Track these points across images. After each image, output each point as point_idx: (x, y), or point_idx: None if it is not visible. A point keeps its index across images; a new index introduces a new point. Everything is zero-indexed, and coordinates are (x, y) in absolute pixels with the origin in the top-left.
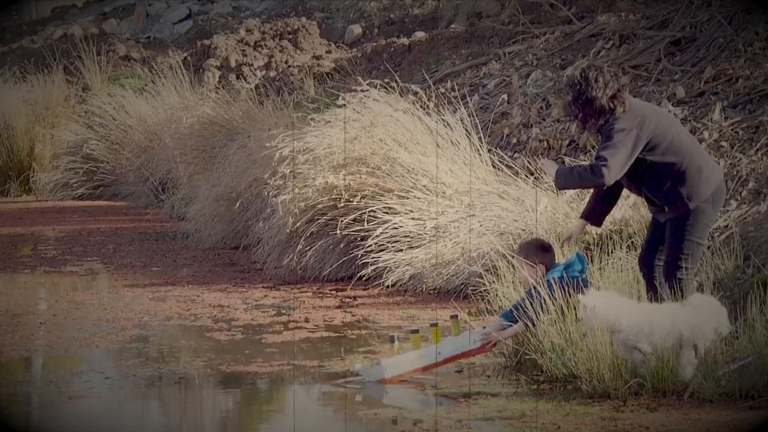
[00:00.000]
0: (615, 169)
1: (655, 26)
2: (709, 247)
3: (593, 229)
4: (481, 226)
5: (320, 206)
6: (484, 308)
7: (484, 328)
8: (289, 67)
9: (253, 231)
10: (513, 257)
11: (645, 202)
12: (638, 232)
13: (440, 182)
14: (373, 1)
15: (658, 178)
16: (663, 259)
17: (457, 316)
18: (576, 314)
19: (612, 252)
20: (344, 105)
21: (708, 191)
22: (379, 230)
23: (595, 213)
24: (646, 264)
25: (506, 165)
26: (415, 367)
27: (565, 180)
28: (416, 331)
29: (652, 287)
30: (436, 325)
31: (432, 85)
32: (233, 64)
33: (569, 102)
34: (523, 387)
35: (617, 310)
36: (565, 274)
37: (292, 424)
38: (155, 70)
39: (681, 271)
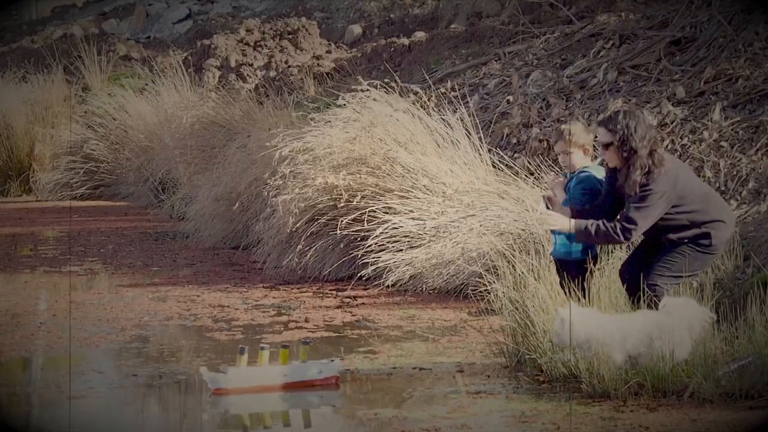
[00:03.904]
0: (641, 229)
1: (655, 26)
2: None
3: None
4: (481, 226)
5: (320, 206)
6: (483, 308)
7: (334, 360)
8: (289, 67)
9: (253, 231)
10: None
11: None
12: None
13: (440, 182)
14: (373, 1)
15: (682, 225)
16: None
17: (309, 342)
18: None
19: (612, 251)
20: (344, 105)
21: (724, 237)
22: (379, 230)
23: None
24: (629, 275)
25: (506, 165)
26: (258, 384)
27: (587, 238)
28: (264, 349)
29: (633, 294)
30: (287, 347)
31: (432, 85)
32: (233, 64)
33: (615, 146)
34: (523, 387)
35: (590, 328)
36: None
37: (293, 424)
38: (155, 70)
39: (662, 279)
